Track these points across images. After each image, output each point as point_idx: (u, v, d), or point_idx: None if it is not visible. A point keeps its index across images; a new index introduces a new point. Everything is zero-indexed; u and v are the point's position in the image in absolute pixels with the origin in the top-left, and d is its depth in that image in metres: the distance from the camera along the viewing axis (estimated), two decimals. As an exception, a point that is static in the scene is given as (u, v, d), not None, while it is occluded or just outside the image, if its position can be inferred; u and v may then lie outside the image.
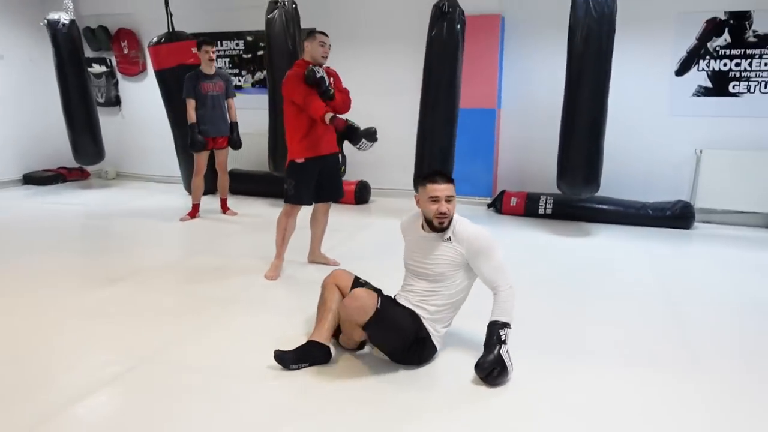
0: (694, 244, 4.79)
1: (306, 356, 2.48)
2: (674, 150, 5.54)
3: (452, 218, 2.50)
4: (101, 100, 7.69)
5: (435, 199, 2.44)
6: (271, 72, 5.45)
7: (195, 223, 5.44)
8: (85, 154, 6.94)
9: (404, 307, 2.53)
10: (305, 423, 2.11)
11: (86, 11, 7.46)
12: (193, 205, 5.60)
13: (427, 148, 5.18)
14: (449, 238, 2.50)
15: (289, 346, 2.52)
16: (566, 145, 4.87)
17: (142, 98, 7.63)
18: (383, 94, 6.44)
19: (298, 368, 2.46)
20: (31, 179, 7.44)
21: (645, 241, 4.74)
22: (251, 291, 3.54)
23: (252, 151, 6.50)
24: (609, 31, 4.59)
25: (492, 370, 2.31)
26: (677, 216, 5.22)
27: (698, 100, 5.42)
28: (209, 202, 5.76)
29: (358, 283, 2.65)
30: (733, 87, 5.30)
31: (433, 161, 5.11)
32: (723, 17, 5.22)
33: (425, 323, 2.50)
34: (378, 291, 2.57)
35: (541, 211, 5.60)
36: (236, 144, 5.59)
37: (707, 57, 5.34)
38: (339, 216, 5.50)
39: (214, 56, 5.30)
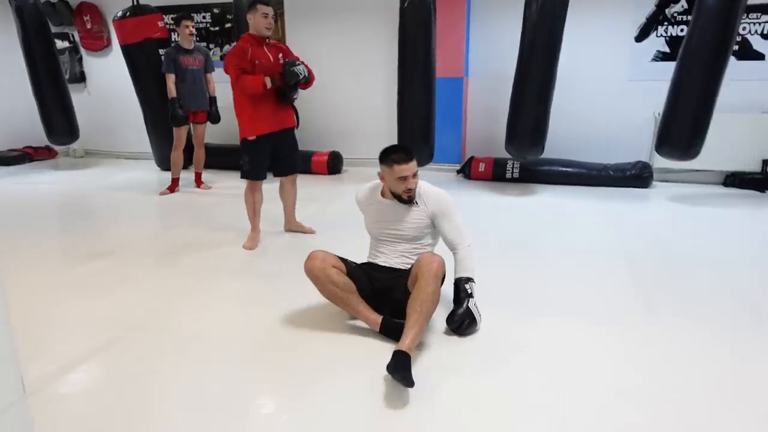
0: (652, 201, 5.05)
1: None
2: (634, 113, 5.77)
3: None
4: (66, 77, 7.53)
5: (403, 179, 2.56)
6: (240, 45, 5.46)
7: (173, 197, 5.49)
8: (60, 133, 6.72)
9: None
10: (290, 383, 2.26)
11: (45, -15, 7.27)
12: (173, 179, 5.64)
13: (408, 118, 5.34)
14: (416, 202, 2.65)
15: (274, 311, 2.65)
16: (515, 111, 5.07)
17: (108, 74, 7.54)
18: (353, 65, 6.50)
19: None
20: (-3, 159, 7.32)
21: (606, 201, 4.98)
22: (232, 260, 3.66)
23: (221, 125, 6.49)
24: (562, 1, 4.73)
25: (462, 321, 2.50)
26: (637, 176, 5.48)
27: (657, 65, 5.63)
28: (184, 177, 5.78)
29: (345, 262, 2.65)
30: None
31: (415, 132, 5.30)
32: (680, -17, 5.40)
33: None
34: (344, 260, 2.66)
35: (508, 175, 5.80)
36: (215, 118, 5.63)
37: (665, 23, 5.53)
38: (312, 186, 5.63)
39: (193, 31, 5.32)
